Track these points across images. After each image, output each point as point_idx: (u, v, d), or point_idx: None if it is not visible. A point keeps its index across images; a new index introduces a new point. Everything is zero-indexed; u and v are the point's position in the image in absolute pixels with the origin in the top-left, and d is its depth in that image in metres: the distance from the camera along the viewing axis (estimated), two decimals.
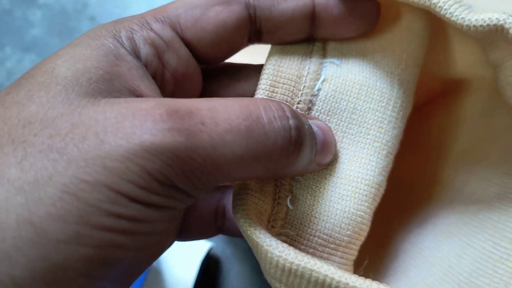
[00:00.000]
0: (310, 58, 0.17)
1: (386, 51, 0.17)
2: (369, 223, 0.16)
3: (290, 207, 0.16)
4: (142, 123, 0.11)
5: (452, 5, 0.14)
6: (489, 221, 0.18)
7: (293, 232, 0.16)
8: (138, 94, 0.13)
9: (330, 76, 0.17)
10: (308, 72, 0.17)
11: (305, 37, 0.17)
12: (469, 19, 0.14)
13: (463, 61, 0.20)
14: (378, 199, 0.16)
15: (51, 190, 0.11)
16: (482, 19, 0.14)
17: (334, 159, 0.16)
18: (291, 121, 0.13)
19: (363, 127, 0.16)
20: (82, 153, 0.11)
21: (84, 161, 0.11)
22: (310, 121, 0.15)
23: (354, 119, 0.16)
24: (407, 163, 0.23)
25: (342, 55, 0.17)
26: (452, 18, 0.14)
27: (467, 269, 0.17)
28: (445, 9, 0.14)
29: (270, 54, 0.17)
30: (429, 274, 0.18)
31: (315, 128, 0.15)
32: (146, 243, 0.12)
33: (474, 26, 0.14)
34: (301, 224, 0.16)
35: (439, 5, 0.14)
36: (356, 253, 0.16)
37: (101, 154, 0.11)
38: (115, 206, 0.11)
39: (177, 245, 0.28)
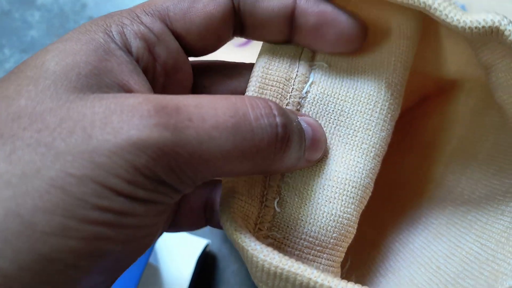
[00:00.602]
0: (300, 60, 0.17)
1: (375, 54, 0.17)
2: (355, 225, 0.16)
3: (277, 209, 0.16)
4: (129, 118, 0.11)
5: (447, 7, 0.14)
6: (477, 222, 0.18)
7: (280, 234, 0.16)
8: (127, 89, 0.13)
9: (319, 79, 0.17)
10: (297, 75, 0.17)
11: (285, 39, 0.17)
12: (464, 21, 0.14)
13: (455, 61, 0.20)
14: (365, 201, 0.16)
15: (39, 183, 0.11)
16: (477, 20, 0.14)
17: (322, 161, 0.16)
18: (277, 119, 0.13)
19: (351, 129, 0.16)
20: (69, 147, 0.11)
21: (71, 155, 0.11)
22: (299, 118, 0.15)
23: (341, 121, 0.17)
24: (401, 163, 0.23)
25: (331, 57, 0.17)
26: (447, 20, 0.14)
27: (454, 270, 0.17)
28: (440, 11, 0.14)
29: (260, 55, 0.17)
30: (418, 274, 0.18)
31: (304, 125, 0.15)
32: (133, 236, 0.12)
33: (469, 27, 0.14)
34: (287, 226, 0.16)
35: (434, 6, 0.14)
36: (343, 255, 0.16)
37: (89, 149, 0.11)
38: (101, 199, 0.11)
39: (174, 242, 0.29)
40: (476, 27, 0.14)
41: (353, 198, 0.16)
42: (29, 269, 0.10)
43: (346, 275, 0.17)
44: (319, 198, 0.16)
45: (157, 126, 0.12)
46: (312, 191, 0.16)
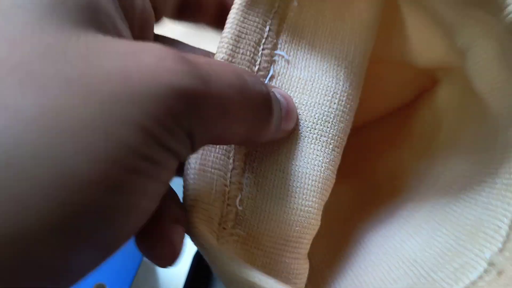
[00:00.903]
0: (262, 50, 0.17)
1: (335, 41, 0.17)
2: (318, 217, 0.16)
3: (239, 207, 0.16)
4: (163, 62, 0.11)
5: None
6: (453, 213, 0.18)
7: (243, 231, 0.16)
8: (118, 34, 0.12)
9: (277, 73, 0.17)
10: (258, 68, 0.17)
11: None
12: None
13: (435, 50, 0.20)
14: (326, 193, 0.16)
15: (73, 122, 0.10)
16: None
17: (281, 155, 0.16)
18: (264, 87, 0.14)
19: (309, 121, 0.16)
20: (104, 86, 0.10)
21: (108, 95, 0.10)
22: (273, 89, 0.15)
23: (300, 114, 0.16)
24: (393, 157, 0.23)
25: (293, 45, 0.17)
26: None
27: (429, 263, 0.17)
28: None
29: (222, 44, 0.16)
30: (396, 268, 0.18)
31: (278, 96, 0.15)
32: (156, 193, 0.11)
33: None
34: (250, 223, 0.16)
35: None
36: (307, 247, 0.16)
37: (127, 90, 0.10)
38: (141, 145, 0.10)
39: None
40: None
41: (314, 191, 0.16)
42: (53, 222, 0.09)
43: (325, 267, 0.18)
44: (279, 193, 0.16)
45: (189, 75, 0.11)
46: (273, 186, 0.16)
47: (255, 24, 0.16)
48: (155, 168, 0.11)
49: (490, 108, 0.17)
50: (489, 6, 0.14)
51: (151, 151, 0.10)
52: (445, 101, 0.22)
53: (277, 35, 0.17)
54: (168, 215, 0.14)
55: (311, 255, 0.17)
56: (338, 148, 0.17)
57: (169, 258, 0.14)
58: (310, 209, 0.16)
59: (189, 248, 0.28)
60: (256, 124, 0.14)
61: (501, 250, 0.15)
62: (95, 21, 0.11)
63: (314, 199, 0.16)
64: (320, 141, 0.16)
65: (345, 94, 0.17)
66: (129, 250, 0.26)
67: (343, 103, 0.17)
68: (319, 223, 0.16)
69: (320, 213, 0.16)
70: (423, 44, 0.20)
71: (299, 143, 0.16)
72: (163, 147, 0.11)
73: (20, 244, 0.09)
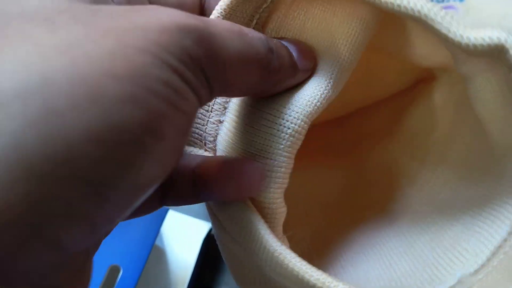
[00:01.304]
0: None
1: (323, 34, 0.17)
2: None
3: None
4: (166, 10, 0.12)
5: (450, 21, 0.13)
6: (434, 225, 0.18)
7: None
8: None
9: None
10: None
11: None
12: (467, 37, 0.13)
13: (439, 54, 0.20)
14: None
15: (98, 50, 0.10)
16: (482, 37, 0.13)
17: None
18: (262, 35, 0.14)
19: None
20: (116, 25, 0.11)
21: (122, 30, 0.11)
22: (275, 40, 0.16)
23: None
24: (382, 153, 0.23)
25: (280, 34, 0.17)
26: (449, 35, 0.13)
27: (402, 269, 0.17)
28: (441, 24, 0.13)
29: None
30: (372, 269, 0.18)
31: (284, 42, 0.16)
32: (182, 130, 0.12)
33: (474, 45, 0.13)
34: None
35: (436, 20, 0.13)
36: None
37: (138, 26, 0.11)
38: (162, 72, 0.11)
39: (180, 226, 0.30)
40: (481, 45, 0.13)
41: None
42: (98, 140, 0.09)
43: (309, 255, 0.18)
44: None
45: (192, 18, 0.12)
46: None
47: (242, 19, 0.16)
48: (178, 97, 0.11)
49: (488, 130, 0.17)
50: (501, 60, 0.14)
51: (172, 79, 0.11)
52: (441, 102, 0.22)
53: (264, 27, 0.17)
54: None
55: (295, 244, 0.17)
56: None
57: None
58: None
59: (198, 234, 0.30)
60: (264, 71, 0.14)
61: (476, 272, 0.15)
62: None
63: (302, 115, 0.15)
64: None
65: (327, 94, 0.16)
66: (142, 233, 0.28)
67: (324, 100, 0.16)
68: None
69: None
70: (427, 51, 0.20)
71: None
72: (182, 77, 0.11)
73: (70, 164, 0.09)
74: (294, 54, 0.16)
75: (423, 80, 0.24)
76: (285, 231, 0.16)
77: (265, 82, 0.14)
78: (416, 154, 0.22)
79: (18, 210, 0.09)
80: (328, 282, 0.13)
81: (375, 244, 0.19)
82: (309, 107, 0.15)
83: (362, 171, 0.23)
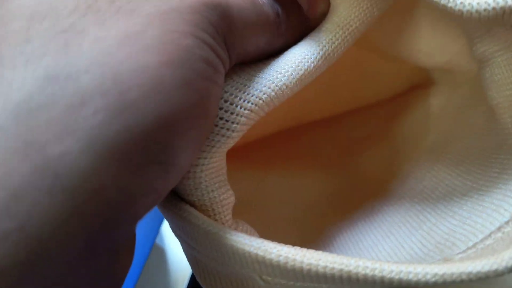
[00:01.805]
0: None
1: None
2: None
3: None
4: None
5: None
6: (427, 222, 0.17)
7: None
8: None
9: None
10: None
11: None
12: (469, 3, 0.12)
13: (446, 51, 0.19)
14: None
15: (149, 41, 0.11)
16: (485, 1, 0.12)
17: None
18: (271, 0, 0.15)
19: None
20: (154, 10, 0.11)
21: (163, 15, 0.11)
22: None
23: None
24: (374, 154, 0.23)
25: None
26: (449, 5, 0.13)
27: None
28: None
29: None
30: None
31: None
32: (218, 100, 0.13)
33: (477, 11, 0.12)
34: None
35: None
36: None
37: (176, 8, 0.11)
38: (203, 51, 0.11)
39: None
40: (485, 9, 0.12)
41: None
42: (165, 126, 0.10)
43: None
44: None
45: None
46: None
47: None
48: (215, 73, 0.12)
49: (501, 118, 0.16)
50: None
51: (210, 56, 0.12)
52: (439, 106, 0.21)
53: None
54: None
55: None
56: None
57: None
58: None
59: None
60: (273, 34, 0.15)
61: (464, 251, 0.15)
62: None
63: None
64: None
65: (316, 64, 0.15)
66: (142, 232, 0.28)
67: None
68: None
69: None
70: (435, 45, 0.19)
71: None
72: (215, 52, 0.12)
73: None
74: (305, 6, 0.16)
75: (418, 86, 0.23)
76: (275, 234, 0.15)
77: (273, 44, 0.15)
78: (410, 157, 0.21)
79: (109, 193, 0.10)
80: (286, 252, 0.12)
81: (362, 248, 0.19)
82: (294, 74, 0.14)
83: (352, 175, 0.23)
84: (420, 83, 0.23)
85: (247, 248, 0.13)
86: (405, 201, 0.19)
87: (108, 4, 0.11)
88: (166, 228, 0.30)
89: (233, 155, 0.16)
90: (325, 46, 0.15)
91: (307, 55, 0.15)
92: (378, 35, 0.19)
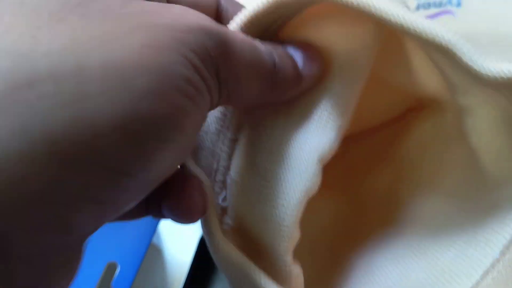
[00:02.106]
0: None
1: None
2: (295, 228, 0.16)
3: (223, 204, 0.17)
4: (188, 11, 0.12)
5: (471, 50, 0.13)
6: (430, 249, 0.18)
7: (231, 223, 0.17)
8: None
9: None
10: None
11: None
12: (488, 68, 0.13)
13: (435, 88, 0.20)
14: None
15: (128, 42, 0.10)
16: (502, 70, 0.13)
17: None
18: (270, 48, 0.15)
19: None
20: (144, 22, 0.11)
21: (150, 28, 0.11)
22: (281, 49, 0.16)
23: None
24: (377, 178, 0.24)
25: None
26: (471, 64, 0.13)
27: None
28: (463, 53, 0.13)
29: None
30: None
31: (290, 49, 0.16)
32: (196, 125, 0.12)
33: (494, 77, 0.13)
34: (234, 217, 0.17)
35: (462, 50, 0.13)
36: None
37: (164, 24, 0.11)
38: (186, 70, 0.11)
39: (176, 225, 0.30)
40: (501, 77, 0.13)
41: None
42: (123, 129, 0.10)
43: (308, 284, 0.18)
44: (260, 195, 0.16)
45: (214, 23, 0.13)
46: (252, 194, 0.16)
47: (258, 29, 0.16)
48: (197, 94, 0.12)
49: (481, 161, 0.17)
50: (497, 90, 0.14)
51: (194, 77, 0.11)
52: (430, 131, 0.22)
53: (278, 32, 0.17)
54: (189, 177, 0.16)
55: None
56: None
57: (193, 211, 0.15)
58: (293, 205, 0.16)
59: (195, 233, 0.30)
60: (266, 83, 0.15)
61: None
62: None
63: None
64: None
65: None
66: (139, 231, 0.28)
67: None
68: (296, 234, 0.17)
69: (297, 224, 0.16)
70: (424, 80, 0.20)
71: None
72: (201, 76, 0.12)
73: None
74: (300, 61, 0.16)
75: (413, 109, 0.24)
76: None
77: (267, 94, 0.15)
78: (410, 180, 0.22)
79: (35, 186, 0.09)
80: None
81: (373, 270, 0.19)
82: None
83: (356, 200, 0.23)
84: (414, 106, 0.24)
85: None
86: (408, 227, 0.20)
87: (101, 8, 0.11)
88: (163, 227, 0.30)
89: None
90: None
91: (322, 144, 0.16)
92: (378, 67, 0.20)
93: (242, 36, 0.14)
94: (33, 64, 0.09)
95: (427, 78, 0.19)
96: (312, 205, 0.23)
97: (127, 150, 0.10)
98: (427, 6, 0.19)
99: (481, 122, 0.16)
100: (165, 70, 0.11)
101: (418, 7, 0.18)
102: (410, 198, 0.21)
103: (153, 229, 0.28)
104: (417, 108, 0.23)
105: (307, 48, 0.16)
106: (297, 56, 0.16)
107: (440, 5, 0.20)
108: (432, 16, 0.19)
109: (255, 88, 0.14)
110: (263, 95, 0.15)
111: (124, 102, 0.10)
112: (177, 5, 0.13)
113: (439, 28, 0.13)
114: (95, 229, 0.11)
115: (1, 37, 0.10)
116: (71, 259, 0.11)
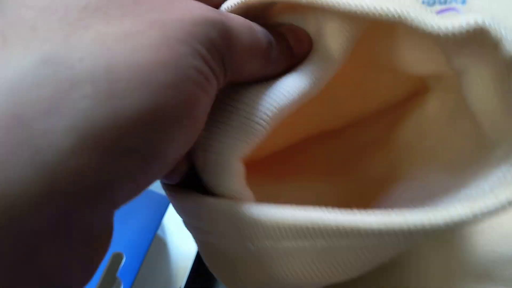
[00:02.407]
0: None
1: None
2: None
3: None
4: (196, 3, 0.14)
5: (423, 13, 0.13)
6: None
7: None
8: None
9: None
10: None
11: None
12: (445, 26, 0.13)
13: (430, 62, 0.20)
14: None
15: (146, 41, 0.12)
16: (459, 24, 0.13)
17: None
18: (265, 30, 0.16)
19: None
20: (156, 17, 0.12)
21: (163, 23, 0.12)
22: (274, 30, 0.17)
23: None
24: (378, 161, 0.24)
25: None
26: (427, 28, 0.13)
27: None
28: (414, 19, 0.13)
29: None
30: None
31: (283, 30, 0.17)
32: (207, 108, 0.14)
33: (453, 33, 0.13)
34: None
35: (410, 17, 0.13)
36: None
37: (174, 18, 0.12)
38: (196, 60, 0.12)
39: (181, 219, 0.30)
40: (459, 31, 0.13)
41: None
42: (148, 119, 0.11)
43: None
44: None
45: (216, 12, 0.14)
46: None
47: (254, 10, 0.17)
48: (206, 82, 0.13)
49: (481, 123, 0.17)
50: (486, 46, 0.14)
51: (203, 66, 0.13)
52: (435, 111, 0.22)
53: (269, 14, 0.18)
54: None
55: None
56: None
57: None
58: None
59: None
60: (264, 60, 0.16)
61: None
62: None
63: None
64: None
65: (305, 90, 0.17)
66: (145, 222, 0.28)
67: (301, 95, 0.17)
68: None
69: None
70: (417, 57, 0.20)
71: None
72: (208, 65, 0.13)
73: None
74: (291, 40, 0.17)
75: (417, 92, 0.24)
76: None
77: (265, 70, 0.16)
78: (411, 161, 0.22)
79: (86, 174, 0.10)
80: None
81: None
82: (283, 100, 0.16)
83: (358, 183, 0.24)
84: (418, 90, 0.24)
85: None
86: (411, 206, 0.20)
87: (116, 8, 0.12)
88: (168, 220, 0.31)
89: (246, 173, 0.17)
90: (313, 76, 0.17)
91: (299, 83, 0.16)
92: (368, 52, 0.21)
93: (241, 21, 0.15)
94: (72, 70, 0.11)
95: (421, 57, 0.20)
96: (315, 190, 0.23)
97: (152, 136, 0.12)
98: (432, 3, 0.19)
99: (476, 84, 0.16)
100: (179, 64, 0.12)
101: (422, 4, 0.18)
102: (412, 175, 0.21)
103: (158, 221, 0.29)
104: (420, 92, 0.24)
105: (297, 30, 0.18)
106: (289, 37, 0.17)
107: (445, 2, 0.20)
108: (437, 13, 0.19)
109: (254, 67, 0.16)
110: (260, 71, 0.16)
111: (147, 97, 0.11)
112: (189, 5, 0.14)
113: (389, 4, 0.14)
114: (128, 201, 0.13)
115: (40, 46, 0.11)
116: (107, 235, 0.13)
